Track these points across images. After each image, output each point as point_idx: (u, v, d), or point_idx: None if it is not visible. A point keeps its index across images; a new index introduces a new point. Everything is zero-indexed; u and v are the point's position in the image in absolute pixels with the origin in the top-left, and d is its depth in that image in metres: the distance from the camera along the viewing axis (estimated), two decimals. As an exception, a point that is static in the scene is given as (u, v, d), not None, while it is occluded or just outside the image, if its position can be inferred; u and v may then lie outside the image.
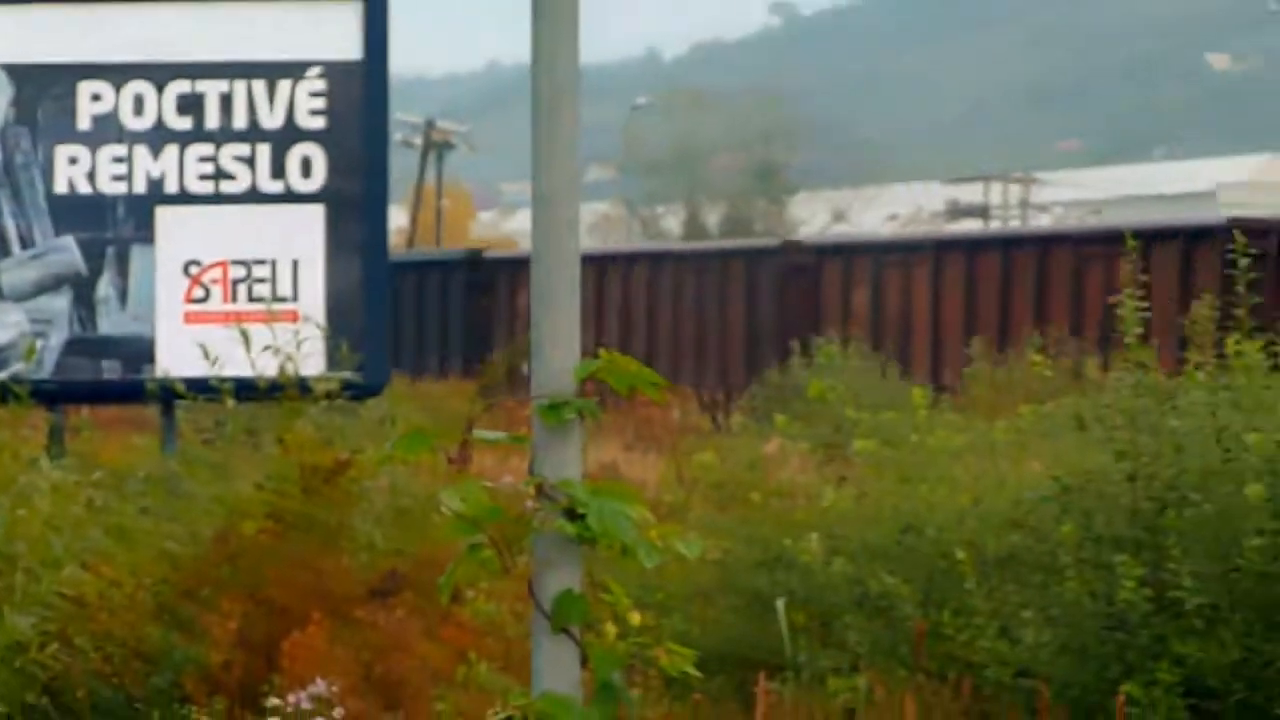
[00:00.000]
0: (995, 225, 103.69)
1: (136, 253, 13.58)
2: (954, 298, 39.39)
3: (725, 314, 42.62)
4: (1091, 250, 37.09)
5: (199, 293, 13.58)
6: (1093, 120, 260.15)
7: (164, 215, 13.59)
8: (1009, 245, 41.43)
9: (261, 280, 13.56)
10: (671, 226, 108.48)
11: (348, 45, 13.74)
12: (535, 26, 4.30)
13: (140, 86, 13.53)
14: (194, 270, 13.54)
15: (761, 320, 41.62)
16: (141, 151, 13.58)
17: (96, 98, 13.61)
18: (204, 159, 13.58)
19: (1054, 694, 9.64)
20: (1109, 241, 34.63)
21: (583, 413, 4.22)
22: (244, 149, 13.62)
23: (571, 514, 4.12)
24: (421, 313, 47.60)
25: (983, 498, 11.50)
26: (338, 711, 7.94)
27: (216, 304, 13.53)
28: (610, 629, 4.38)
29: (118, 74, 13.80)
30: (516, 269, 45.80)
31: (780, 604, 11.28)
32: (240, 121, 13.66)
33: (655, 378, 4.46)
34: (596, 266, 44.30)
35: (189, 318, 13.52)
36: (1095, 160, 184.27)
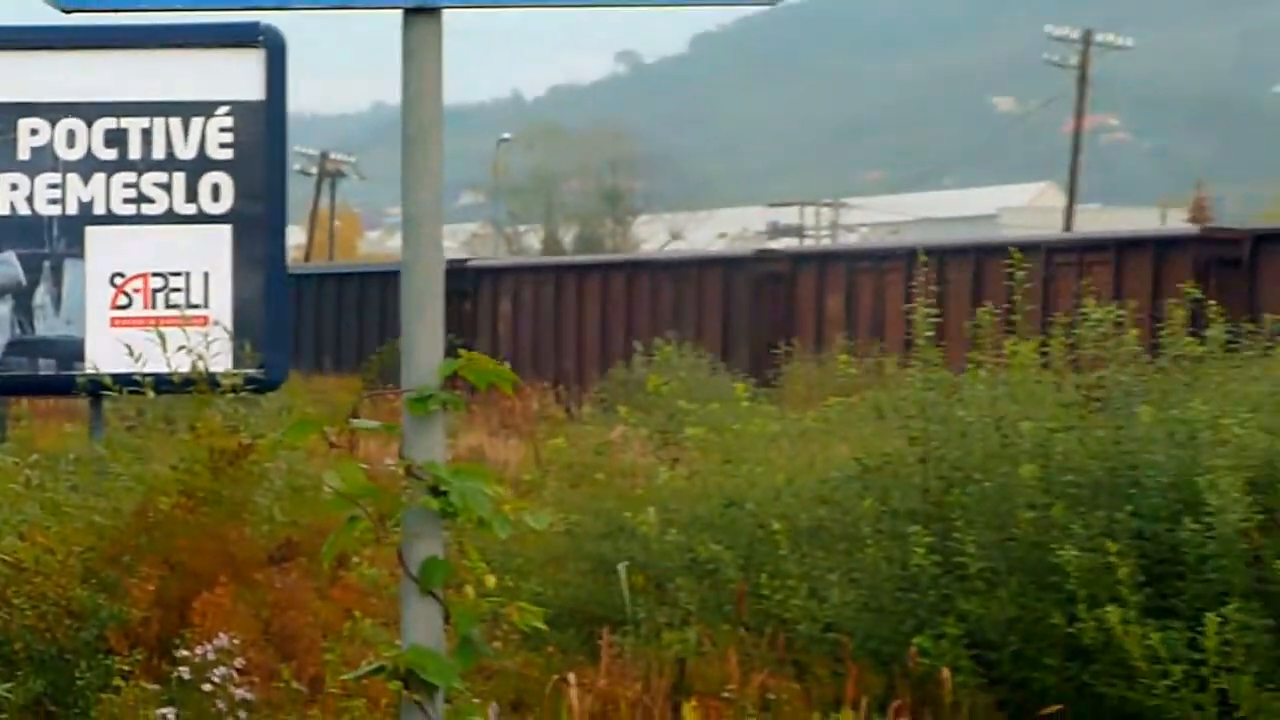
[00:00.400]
0: (810, 243, 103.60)
1: (69, 266, 13.63)
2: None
3: (701, 319, 40.63)
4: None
5: (123, 300, 13.56)
6: (893, 154, 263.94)
7: (93, 234, 13.68)
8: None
9: (177, 290, 13.55)
10: (533, 243, 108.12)
11: (252, 88, 13.79)
12: (404, 72, 4.46)
13: (73, 123, 13.60)
14: (119, 281, 13.52)
15: (738, 324, 40.12)
16: (74, 179, 13.67)
17: (34, 132, 13.65)
18: (128, 185, 13.65)
19: (856, 646, 9.79)
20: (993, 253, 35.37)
21: (446, 404, 4.36)
22: (162, 177, 13.68)
23: (436, 491, 4.24)
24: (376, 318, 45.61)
25: (795, 477, 11.52)
26: (239, 661, 8.06)
27: (138, 310, 13.51)
28: (470, 590, 4.56)
29: (53, 112, 13.90)
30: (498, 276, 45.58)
31: (622, 568, 11.19)
32: (159, 153, 13.71)
33: (510, 375, 4.61)
34: (576, 274, 43.64)
35: (114, 322, 13.47)
36: (895, 188, 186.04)
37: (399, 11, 4.52)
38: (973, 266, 35.79)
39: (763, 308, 39.34)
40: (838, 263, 40.82)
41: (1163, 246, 36.20)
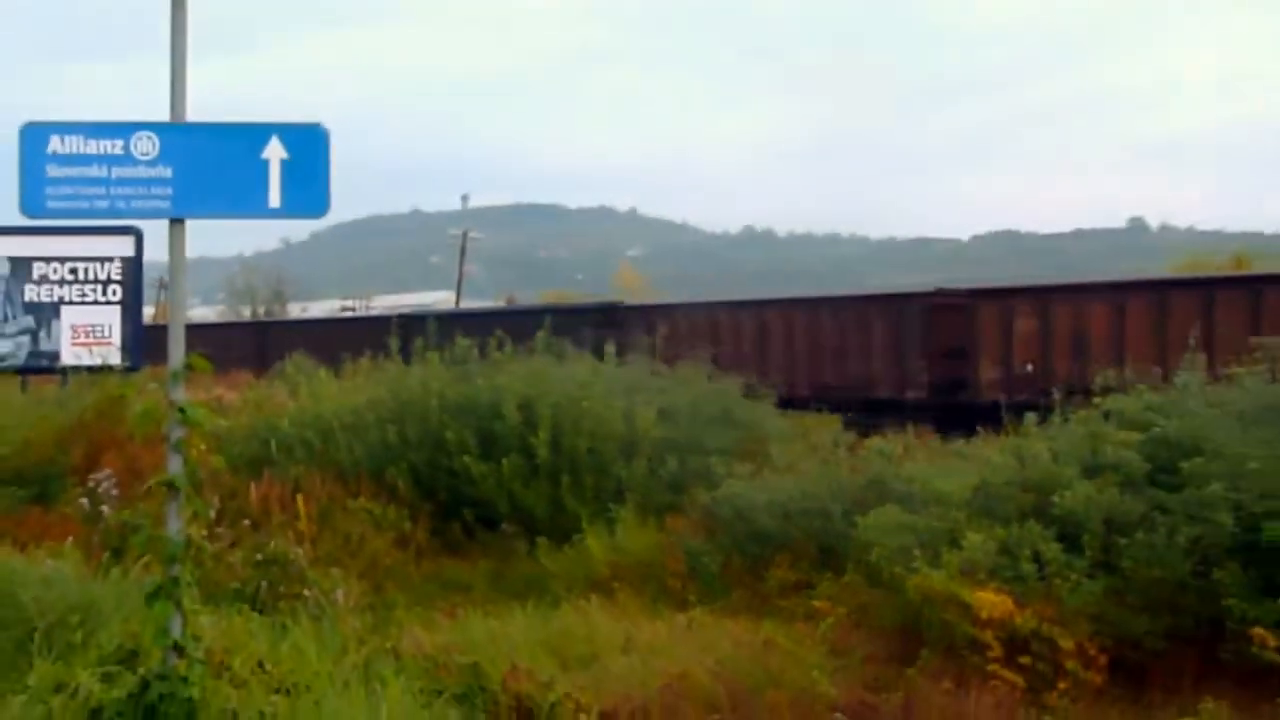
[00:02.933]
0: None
1: (54, 321, 25.49)
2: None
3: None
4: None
5: (77, 335, 25.31)
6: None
7: (65, 309, 25.61)
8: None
9: (100, 331, 25.27)
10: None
11: (128, 250, 25.47)
12: (170, 254, 10.98)
13: (57, 264, 25.64)
14: (75, 326, 25.37)
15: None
16: (55, 287, 25.66)
17: (41, 265, 25.80)
18: (80, 289, 25.47)
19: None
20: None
21: (183, 373, 7.22)
22: (96, 287, 25.49)
23: (181, 410, 7.20)
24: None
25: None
26: (113, 480, 15.49)
27: (82, 339, 25.23)
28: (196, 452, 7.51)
29: (50, 259, 25.59)
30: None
31: (272, 441, 19.73)
32: (94, 276, 25.47)
33: (205, 365, 7.48)
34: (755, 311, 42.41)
35: (72, 343, 25.33)
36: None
37: (166, 221, 7.69)
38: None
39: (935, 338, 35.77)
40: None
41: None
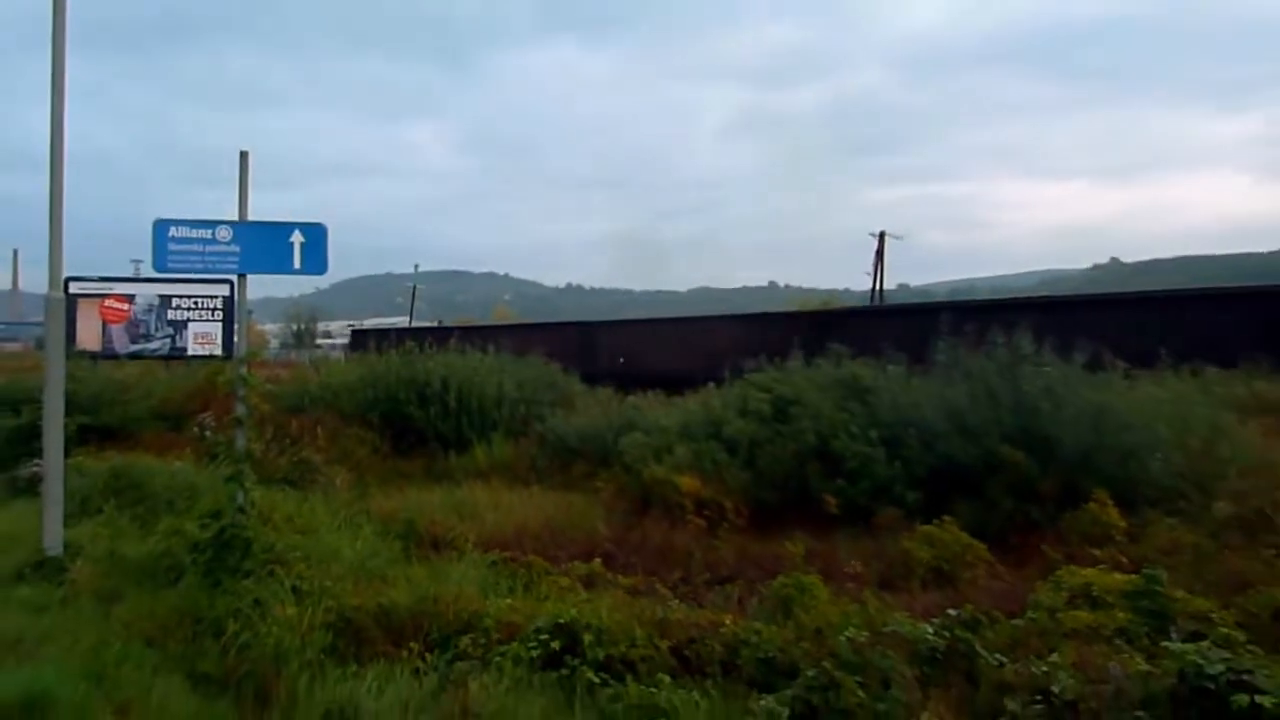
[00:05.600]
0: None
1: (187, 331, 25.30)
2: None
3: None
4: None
5: (199, 339, 27.06)
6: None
7: (192, 325, 26.59)
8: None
9: (210, 336, 27.25)
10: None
11: (225, 291, 25.63)
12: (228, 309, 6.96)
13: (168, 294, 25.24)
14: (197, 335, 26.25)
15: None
16: (172, 312, 25.86)
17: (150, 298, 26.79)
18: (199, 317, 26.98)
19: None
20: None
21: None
22: (210, 316, 27.43)
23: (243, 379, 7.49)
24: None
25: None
26: (212, 420, 14.02)
27: (201, 340, 26.59)
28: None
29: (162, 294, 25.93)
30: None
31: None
32: (207, 307, 27.33)
33: (260, 354, 9.86)
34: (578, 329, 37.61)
35: (195, 343, 26.48)
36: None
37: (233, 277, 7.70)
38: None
39: None
40: None
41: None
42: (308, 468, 12.45)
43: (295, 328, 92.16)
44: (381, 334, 39.02)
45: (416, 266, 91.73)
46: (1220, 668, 3.84)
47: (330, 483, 11.98)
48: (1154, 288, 31.23)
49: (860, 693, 4.74)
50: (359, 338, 42.60)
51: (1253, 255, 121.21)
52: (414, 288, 77.82)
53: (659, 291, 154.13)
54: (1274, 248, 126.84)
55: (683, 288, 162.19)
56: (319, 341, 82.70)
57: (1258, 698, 3.64)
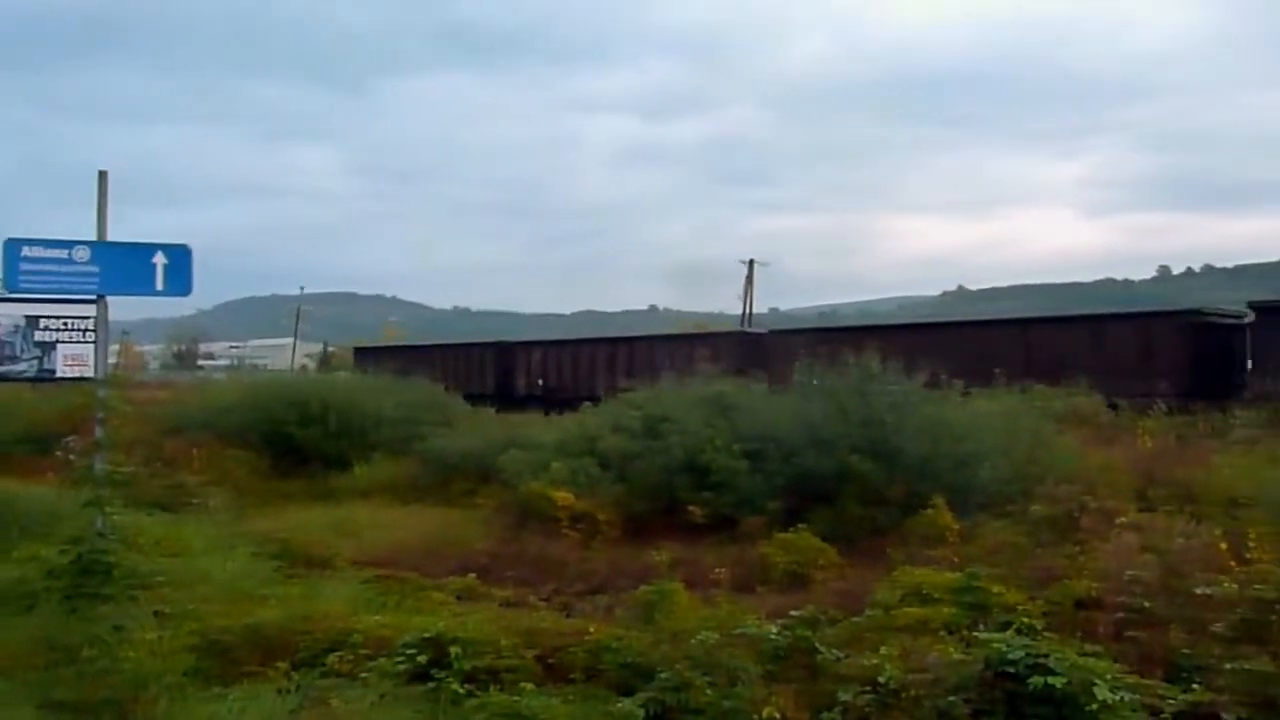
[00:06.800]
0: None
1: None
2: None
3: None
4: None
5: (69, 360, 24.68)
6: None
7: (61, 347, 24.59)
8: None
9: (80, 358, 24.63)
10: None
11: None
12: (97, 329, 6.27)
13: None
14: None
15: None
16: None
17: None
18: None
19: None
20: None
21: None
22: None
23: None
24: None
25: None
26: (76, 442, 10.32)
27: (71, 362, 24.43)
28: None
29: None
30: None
31: None
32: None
33: (125, 378, 11.36)
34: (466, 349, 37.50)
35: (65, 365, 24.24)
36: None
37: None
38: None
39: None
40: None
41: None
42: (183, 490, 12.02)
43: (176, 349, 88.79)
44: (382, 351, 39.14)
45: (302, 288, 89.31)
46: (1021, 653, 4.11)
47: (205, 505, 11.58)
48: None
49: (710, 691, 4.87)
50: (362, 356, 40.74)
51: (1080, 284, 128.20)
52: (299, 309, 75.77)
53: (545, 314, 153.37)
54: (1099, 277, 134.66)
55: (567, 310, 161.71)
56: (201, 363, 79.72)
57: (1050, 679, 3.92)
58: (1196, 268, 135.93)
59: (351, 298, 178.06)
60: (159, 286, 7.09)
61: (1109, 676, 4.06)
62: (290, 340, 73.78)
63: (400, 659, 5.49)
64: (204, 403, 19.28)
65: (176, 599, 6.14)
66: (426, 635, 5.70)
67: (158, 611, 5.80)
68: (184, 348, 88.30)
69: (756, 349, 26.39)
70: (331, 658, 5.69)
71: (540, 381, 32.50)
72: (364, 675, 5.39)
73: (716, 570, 8.68)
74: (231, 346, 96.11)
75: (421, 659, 5.49)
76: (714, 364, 18.11)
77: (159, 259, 6.98)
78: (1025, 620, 4.78)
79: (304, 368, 52.32)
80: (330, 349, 75.28)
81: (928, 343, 20.42)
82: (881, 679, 4.57)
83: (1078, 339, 21.80)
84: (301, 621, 6.09)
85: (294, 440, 17.10)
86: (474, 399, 23.04)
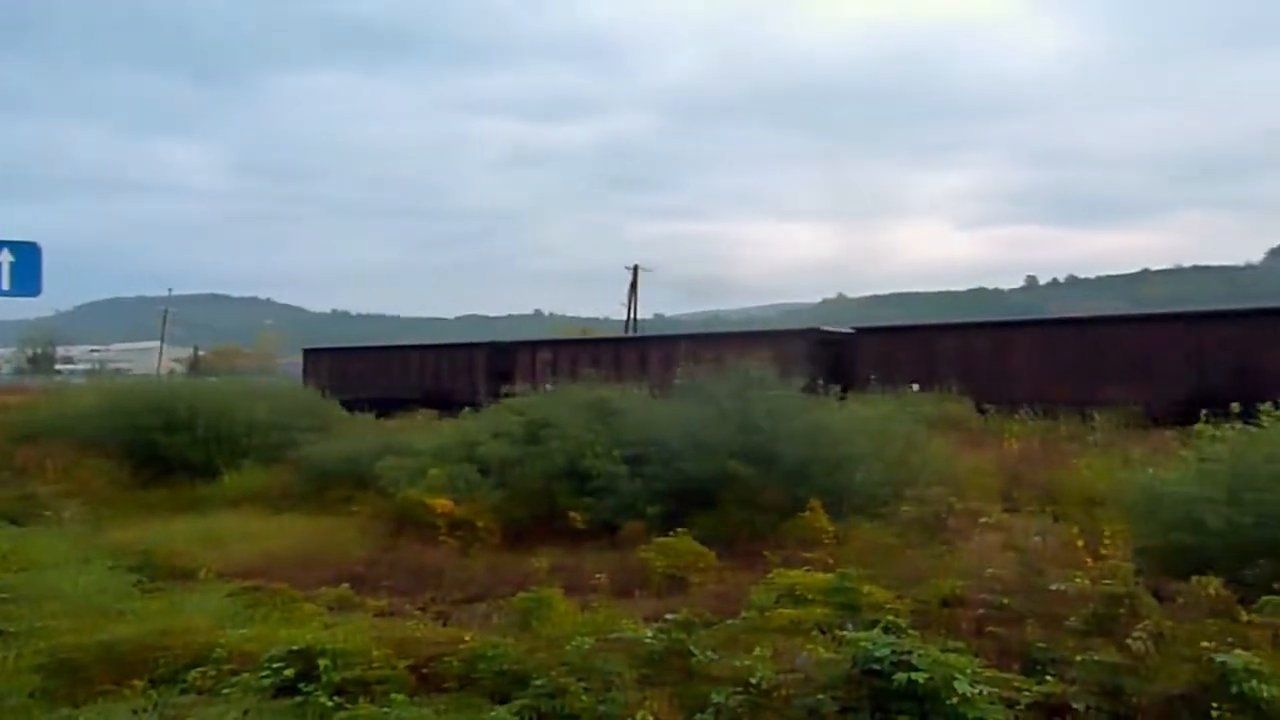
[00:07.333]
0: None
1: None
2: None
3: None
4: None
5: None
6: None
7: None
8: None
9: None
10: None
11: None
12: None
13: None
14: None
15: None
16: None
17: None
18: None
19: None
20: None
21: None
22: None
23: None
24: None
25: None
26: None
27: None
28: None
29: None
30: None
31: None
32: None
33: None
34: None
35: None
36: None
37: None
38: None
39: None
40: None
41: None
42: (34, 501, 11.41)
43: (31, 353, 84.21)
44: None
45: (170, 289, 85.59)
46: (886, 651, 4.25)
47: (59, 517, 11.01)
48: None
49: (585, 697, 4.88)
50: (315, 359, 37.03)
51: (954, 293, 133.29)
52: (165, 312, 72.71)
53: (428, 319, 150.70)
54: (972, 286, 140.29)
55: (451, 314, 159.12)
56: (59, 367, 75.61)
57: (914, 675, 4.07)
58: (1061, 278, 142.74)
59: (223, 300, 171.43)
60: (5, 286, 6.65)
61: (969, 671, 4.22)
62: (157, 344, 70.80)
63: (266, 673, 5.34)
64: (60, 409, 18.37)
65: (22, 616, 5.81)
66: (294, 648, 5.55)
67: (0, 630, 5.48)
68: (39, 351, 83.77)
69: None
70: (192, 674, 5.49)
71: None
72: (226, 691, 5.22)
73: (596, 576, 8.69)
74: (93, 350, 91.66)
75: (289, 672, 5.35)
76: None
77: (4, 257, 6.56)
78: (892, 619, 4.94)
79: (172, 372, 50.24)
80: (200, 352, 72.41)
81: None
82: (754, 679, 4.65)
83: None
84: (161, 637, 5.85)
85: (158, 448, 16.45)
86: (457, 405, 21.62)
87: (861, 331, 23.01)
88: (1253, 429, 7.42)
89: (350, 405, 20.62)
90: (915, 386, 18.52)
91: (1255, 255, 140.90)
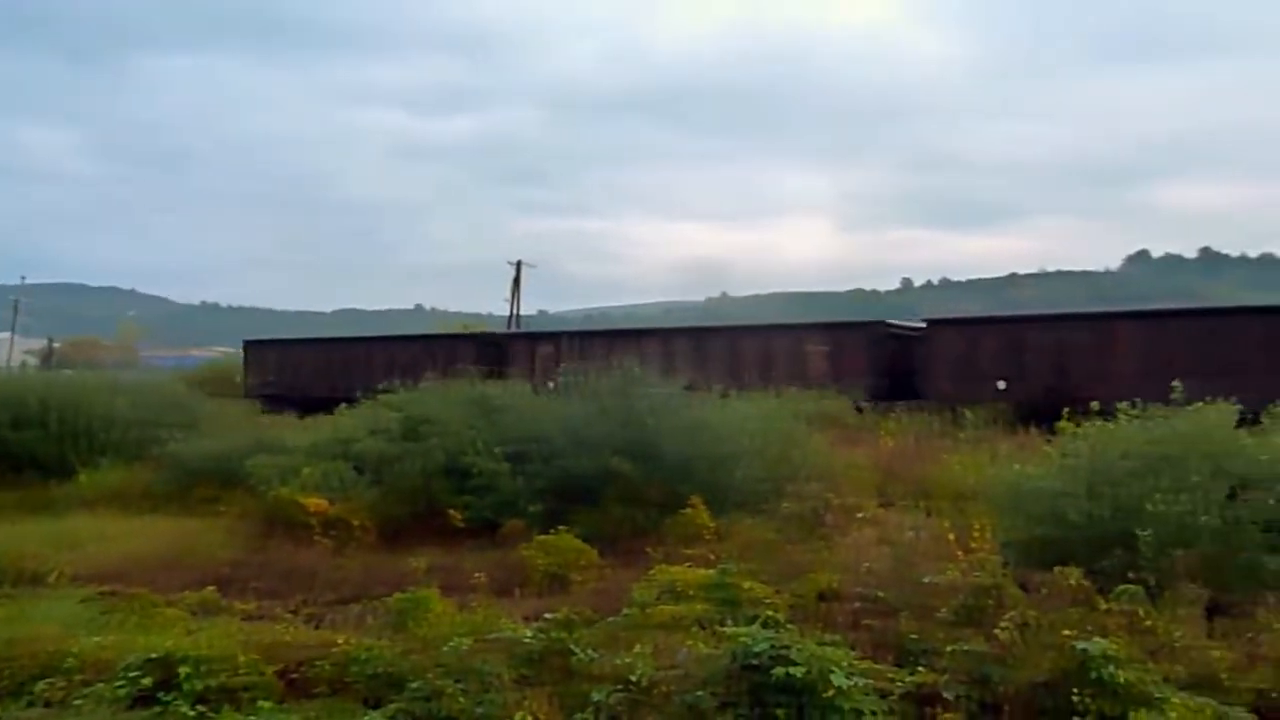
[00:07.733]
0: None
1: None
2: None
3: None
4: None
5: None
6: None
7: None
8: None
9: None
10: None
11: None
12: None
13: None
14: None
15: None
16: None
17: None
18: None
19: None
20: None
21: None
22: None
23: None
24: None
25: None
26: None
27: None
28: None
29: None
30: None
31: None
32: None
33: None
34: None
35: None
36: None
37: None
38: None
39: None
40: None
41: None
42: None
43: None
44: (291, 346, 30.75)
45: (23, 277, 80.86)
46: (765, 646, 4.30)
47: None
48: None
49: (462, 699, 4.79)
50: (258, 350, 32.21)
51: (834, 293, 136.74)
52: (16, 301, 68.74)
53: (304, 312, 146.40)
54: (851, 287, 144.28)
55: (328, 308, 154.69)
56: (-104, 360, 70.70)
57: (791, 669, 4.13)
58: (935, 280, 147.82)
59: (81, 289, 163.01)
60: None
61: (845, 664, 4.31)
62: (7, 335, 66.88)
63: (121, 683, 5.10)
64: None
65: None
66: (153, 655, 5.32)
67: None
68: None
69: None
70: (40, 685, 5.21)
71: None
72: (78, 703, 4.96)
73: (475, 575, 8.58)
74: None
75: (147, 681, 5.13)
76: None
77: None
78: (771, 614, 5.00)
79: (24, 364, 47.52)
80: (55, 344, 68.74)
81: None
82: (634, 677, 4.64)
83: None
84: (5, 646, 5.53)
85: (7, 444, 15.56)
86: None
87: (933, 324, 20.42)
88: (1110, 425, 7.75)
89: (294, 405, 19.69)
90: (1002, 385, 17.69)
91: (1114, 262, 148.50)
